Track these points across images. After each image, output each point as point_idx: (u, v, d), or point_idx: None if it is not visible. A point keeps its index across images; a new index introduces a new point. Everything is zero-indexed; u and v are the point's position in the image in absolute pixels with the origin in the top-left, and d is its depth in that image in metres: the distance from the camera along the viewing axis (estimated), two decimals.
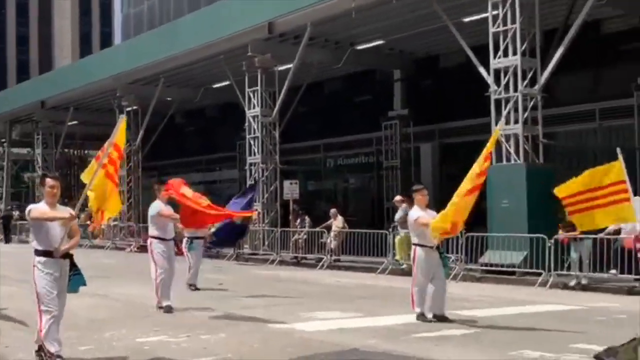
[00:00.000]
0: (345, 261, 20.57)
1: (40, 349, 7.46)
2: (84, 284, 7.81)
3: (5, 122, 43.53)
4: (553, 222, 16.12)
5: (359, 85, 28.86)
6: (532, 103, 17.57)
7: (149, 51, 30.17)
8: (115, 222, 32.88)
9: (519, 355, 8.11)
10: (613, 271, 15.05)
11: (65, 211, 7.76)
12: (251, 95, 25.28)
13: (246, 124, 25.59)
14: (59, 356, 7.34)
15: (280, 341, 8.99)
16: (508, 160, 17.49)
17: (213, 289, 15.00)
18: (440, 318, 10.47)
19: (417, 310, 10.59)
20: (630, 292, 14.22)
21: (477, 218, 18.48)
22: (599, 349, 8.36)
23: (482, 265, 17.32)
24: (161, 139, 35.49)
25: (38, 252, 7.50)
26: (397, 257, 18.98)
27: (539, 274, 15.71)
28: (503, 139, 17.49)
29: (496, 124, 17.64)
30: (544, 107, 17.86)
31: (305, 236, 22.34)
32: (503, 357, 8.02)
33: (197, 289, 14.79)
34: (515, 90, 17.47)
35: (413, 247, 10.88)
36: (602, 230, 15.43)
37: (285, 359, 7.85)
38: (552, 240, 15.59)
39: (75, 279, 7.67)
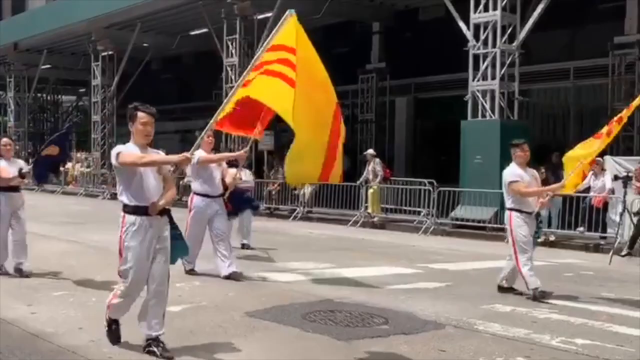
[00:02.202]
0: (318, 213, 20.70)
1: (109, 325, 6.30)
2: (186, 253, 6.53)
3: None
4: None
5: (337, 37, 28.63)
6: (509, 59, 17.62)
7: None
8: (89, 169, 32.74)
9: (491, 309, 8.26)
10: (580, 228, 15.32)
11: (157, 153, 6.11)
12: (229, 44, 25.03)
13: (223, 73, 25.38)
14: (155, 340, 5.98)
15: (254, 291, 9.08)
16: (483, 116, 17.58)
17: None
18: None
19: (534, 287, 8.82)
20: (597, 249, 14.54)
21: (450, 173, 18.76)
22: (568, 304, 8.59)
23: (452, 220, 17.53)
24: (137, 86, 35.07)
25: (128, 209, 5.94)
26: (370, 210, 19.15)
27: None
28: (479, 95, 17.58)
29: (473, 80, 17.69)
30: (520, 64, 17.93)
31: (278, 187, 22.40)
32: (475, 310, 8.15)
33: (251, 248, 13.22)
34: (494, 46, 17.49)
35: (508, 212, 9.10)
36: None
37: (259, 308, 7.92)
38: None
39: (178, 245, 6.17)
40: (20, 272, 9.69)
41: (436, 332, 7.06)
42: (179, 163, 6.01)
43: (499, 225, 16.40)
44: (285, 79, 5.96)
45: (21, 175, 9.62)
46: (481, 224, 16.84)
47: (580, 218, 15.32)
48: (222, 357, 6.02)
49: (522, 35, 17.49)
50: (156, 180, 5.94)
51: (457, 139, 17.81)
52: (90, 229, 16.34)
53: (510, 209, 9.00)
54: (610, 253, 12.90)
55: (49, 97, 47.54)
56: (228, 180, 10.13)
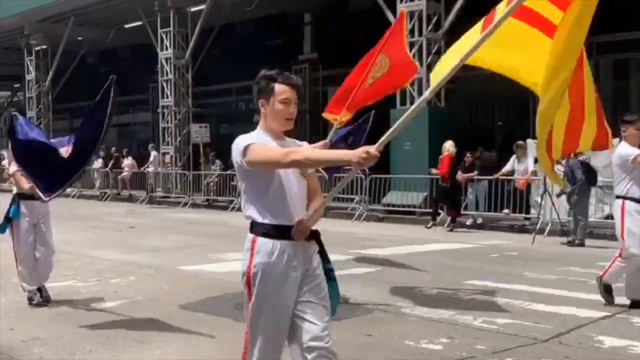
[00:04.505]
0: None
1: None
2: (339, 300, 4.10)
3: None
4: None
5: (271, 28, 28.80)
6: (435, 48, 18.09)
7: None
8: None
9: (419, 292, 8.58)
10: (506, 210, 15.89)
11: (299, 146, 3.95)
12: (164, 37, 25.04)
13: (159, 66, 25.37)
14: None
15: (190, 283, 9.21)
16: (412, 103, 17.98)
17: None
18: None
19: (607, 282, 7.71)
20: (521, 230, 15.13)
21: (382, 160, 19.15)
22: (492, 284, 8.96)
23: (384, 206, 17.97)
24: (73, 80, 34.69)
25: (266, 229, 3.90)
26: None
27: (438, 214, 16.40)
28: (407, 84, 17.98)
29: None
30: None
31: (216, 179, 22.56)
32: (404, 294, 8.42)
33: None
34: (420, 34, 17.95)
35: (620, 201, 7.53)
36: (497, 171, 16.31)
37: (193, 300, 8.08)
38: None
39: (334, 285, 4.02)
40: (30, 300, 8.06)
41: (364, 317, 7.26)
42: (356, 163, 3.52)
43: (428, 210, 16.93)
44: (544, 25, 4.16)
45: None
46: (411, 209, 17.30)
47: (505, 200, 15.90)
48: (152, 351, 6.14)
49: (447, 23, 17.98)
50: (300, 187, 3.90)
51: (388, 127, 18.18)
52: None
53: (623, 197, 7.47)
54: (533, 234, 13.52)
55: None
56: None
